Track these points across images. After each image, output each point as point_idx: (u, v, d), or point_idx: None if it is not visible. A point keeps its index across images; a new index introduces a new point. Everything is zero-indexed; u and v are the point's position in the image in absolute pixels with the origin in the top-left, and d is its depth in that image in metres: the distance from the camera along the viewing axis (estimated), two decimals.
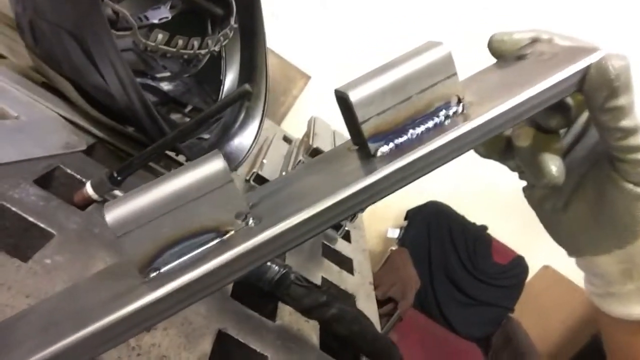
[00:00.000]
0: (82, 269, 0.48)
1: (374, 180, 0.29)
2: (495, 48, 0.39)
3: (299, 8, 2.50)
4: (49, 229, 0.49)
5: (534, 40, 0.38)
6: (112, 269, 0.34)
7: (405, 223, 2.76)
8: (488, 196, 2.75)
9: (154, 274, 0.29)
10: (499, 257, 2.76)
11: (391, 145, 0.31)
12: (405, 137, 0.31)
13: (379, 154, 0.31)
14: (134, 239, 0.28)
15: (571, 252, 0.41)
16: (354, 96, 0.30)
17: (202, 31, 0.83)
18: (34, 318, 0.30)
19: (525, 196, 0.43)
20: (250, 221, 0.30)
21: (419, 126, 0.32)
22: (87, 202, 0.56)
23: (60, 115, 0.68)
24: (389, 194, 0.31)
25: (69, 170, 0.59)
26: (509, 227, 2.75)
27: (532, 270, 2.82)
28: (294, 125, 2.41)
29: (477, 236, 2.75)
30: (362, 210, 1.01)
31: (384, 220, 2.85)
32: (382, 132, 0.31)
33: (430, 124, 0.32)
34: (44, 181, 0.56)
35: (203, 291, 0.28)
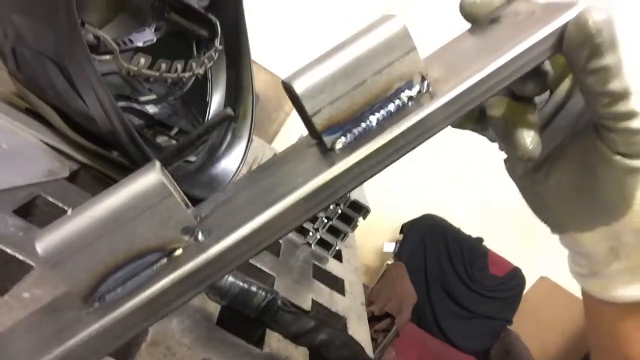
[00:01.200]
0: None
1: (332, 177, 0.26)
2: (468, 11, 0.35)
3: (290, 24, 2.51)
4: (28, 261, 0.48)
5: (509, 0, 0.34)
6: (54, 302, 0.31)
7: (400, 237, 2.75)
8: (483, 208, 2.75)
9: (98, 303, 0.27)
10: (496, 269, 2.75)
11: (349, 136, 0.28)
12: (363, 125, 0.28)
13: (337, 146, 0.28)
14: (70, 268, 0.26)
15: (554, 229, 0.38)
16: (300, 86, 0.27)
17: (188, 53, 0.83)
18: None
19: (506, 168, 0.39)
20: (200, 235, 0.27)
21: (378, 111, 0.28)
22: None
23: (43, 142, 0.67)
24: (353, 188, 0.28)
25: (50, 199, 0.58)
26: (505, 238, 2.74)
27: (529, 282, 2.81)
28: (287, 142, 2.41)
29: (473, 248, 2.75)
30: (353, 228, 1.00)
31: (379, 234, 2.84)
32: (337, 123, 0.28)
33: (391, 107, 0.28)
34: (24, 211, 0.55)
35: (155, 314, 0.26)
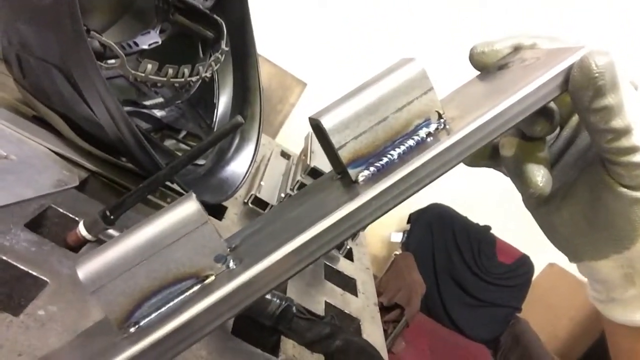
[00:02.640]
0: (78, 317, 0.46)
1: (356, 207, 0.28)
2: (477, 61, 0.38)
3: (293, 16, 2.49)
4: (42, 277, 0.48)
5: (517, 48, 0.37)
6: (90, 330, 0.33)
7: (408, 226, 2.74)
8: (490, 196, 2.73)
9: (133, 328, 0.28)
10: (504, 257, 2.74)
11: (372, 169, 0.30)
12: (385, 159, 0.30)
13: (360, 179, 0.30)
14: (108, 293, 0.27)
15: (571, 258, 0.40)
16: (327, 122, 0.29)
17: (193, 54, 0.82)
18: None
19: (523, 201, 0.41)
20: (231, 263, 0.29)
21: (399, 147, 0.31)
22: (81, 243, 0.55)
23: (52, 151, 0.66)
24: (376, 218, 0.30)
25: (61, 210, 0.58)
26: (512, 226, 2.73)
27: (538, 269, 2.80)
28: (292, 134, 2.40)
29: (481, 237, 2.74)
30: (364, 228, 1.00)
31: (386, 224, 2.84)
32: (361, 157, 0.30)
33: (411, 143, 0.31)
34: (36, 224, 0.55)
35: (187, 340, 0.27)
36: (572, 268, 2.80)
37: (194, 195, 0.29)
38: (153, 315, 0.28)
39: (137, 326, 0.28)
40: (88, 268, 0.27)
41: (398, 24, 2.48)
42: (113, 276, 0.27)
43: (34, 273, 0.48)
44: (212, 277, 0.29)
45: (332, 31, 2.50)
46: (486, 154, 0.40)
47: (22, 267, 0.47)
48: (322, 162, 0.91)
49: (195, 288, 0.29)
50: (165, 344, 0.27)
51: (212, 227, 0.28)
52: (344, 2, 2.49)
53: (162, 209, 0.28)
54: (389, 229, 2.84)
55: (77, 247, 0.55)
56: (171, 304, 0.28)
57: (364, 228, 0.85)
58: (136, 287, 0.27)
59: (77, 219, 0.58)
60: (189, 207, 0.28)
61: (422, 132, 0.31)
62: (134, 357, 0.26)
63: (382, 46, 2.43)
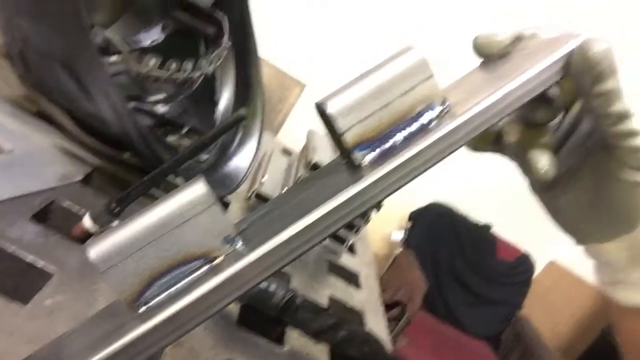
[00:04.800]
0: (85, 307, 0.47)
1: (361, 188, 0.29)
2: (479, 50, 0.39)
3: (292, 16, 2.49)
4: (49, 267, 0.48)
5: (518, 39, 0.38)
6: (101, 312, 0.34)
7: (409, 225, 2.75)
8: (490, 195, 2.73)
9: (144, 307, 0.28)
10: (505, 255, 2.75)
11: (377, 151, 0.31)
12: (390, 143, 0.31)
13: (365, 162, 0.31)
14: (119, 273, 0.27)
15: (577, 240, 0.41)
16: (332, 107, 0.30)
17: (195, 51, 0.82)
18: None
19: (528, 185, 0.42)
20: (239, 244, 0.29)
21: (403, 130, 0.31)
22: (86, 235, 0.55)
23: (56, 146, 0.67)
24: (381, 200, 0.30)
25: (66, 203, 0.58)
26: (513, 224, 2.73)
27: (539, 267, 2.81)
28: (293, 133, 2.40)
29: (482, 235, 2.74)
30: (367, 222, 1.00)
31: (387, 222, 2.84)
32: (366, 141, 0.31)
33: (415, 126, 0.31)
34: (41, 216, 0.55)
35: (196, 318, 0.28)
36: (572, 266, 2.81)
37: (202, 178, 0.29)
38: (163, 295, 0.28)
39: (146, 306, 0.28)
40: (99, 248, 0.27)
41: (396, 25, 2.49)
42: (124, 256, 0.27)
43: (41, 263, 0.48)
44: (221, 258, 0.29)
45: (331, 32, 2.51)
46: (491, 140, 0.41)
47: (29, 258, 0.48)
48: (324, 158, 0.92)
49: (204, 268, 0.29)
50: (174, 321, 0.27)
51: (220, 209, 0.29)
52: (343, 4, 2.50)
53: (172, 191, 0.29)
54: (389, 228, 2.84)
55: (82, 239, 0.55)
56: (180, 283, 0.29)
57: (366, 222, 0.86)
58: (146, 267, 0.28)
59: (81, 212, 0.58)
60: (197, 189, 0.28)
61: (426, 117, 0.31)
62: (144, 334, 0.26)
63: (380, 47, 2.43)
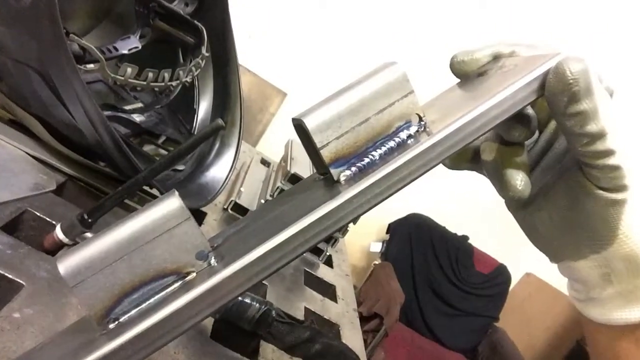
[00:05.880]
0: (54, 320, 0.46)
1: (337, 205, 0.28)
2: (457, 69, 0.39)
3: (274, 26, 2.49)
4: (18, 280, 0.47)
5: (496, 57, 0.38)
6: (70, 328, 0.33)
7: (387, 236, 2.75)
8: (468, 206, 2.76)
9: (113, 324, 0.28)
10: (482, 267, 2.76)
11: (354, 169, 0.31)
12: (367, 159, 0.31)
13: (342, 178, 0.30)
14: (89, 288, 0.27)
15: (551, 258, 0.41)
16: (310, 122, 0.30)
17: (174, 60, 0.82)
18: None
19: (504, 202, 0.42)
20: (213, 260, 0.29)
21: (380, 147, 0.31)
22: (58, 246, 0.54)
23: (29, 155, 0.66)
24: (358, 216, 0.30)
25: (38, 213, 0.57)
26: (490, 236, 2.76)
27: (515, 278, 2.83)
28: (272, 144, 2.40)
29: (459, 246, 2.76)
30: (344, 234, 1.00)
31: (366, 234, 2.84)
32: (343, 157, 0.31)
33: (392, 144, 0.31)
34: (12, 227, 0.54)
35: (167, 335, 0.27)
36: (548, 278, 2.84)
37: (176, 192, 0.29)
38: (133, 312, 0.28)
39: (116, 322, 0.28)
40: (69, 262, 0.27)
41: (379, 35, 2.51)
42: (94, 271, 0.27)
43: (10, 276, 0.47)
44: (193, 274, 0.29)
45: (313, 41, 2.52)
46: (467, 158, 0.41)
47: None
48: (302, 169, 0.91)
49: (176, 285, 0.28)
50: (144, 339, 0.26)
51: (194, 224, 0.28)
52: (325, 13, 2.51)
53: (145, 205, 0.28)
54: (368, 239, 2.85)
55: (53, 250, 0.54)
56: (151, 300, 0.28)
57: (344, 234, 0.86)
58: (117, 283, 0.27)
59: (54, 222, 0.57)
60: (171, 203, 0.28)
61: (403, 134, 0.32)
62: (111, 352, 0.26)
63: (363, 56, 2.44)
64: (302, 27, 2.51)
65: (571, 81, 0.31)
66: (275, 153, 1.38)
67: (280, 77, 2.52)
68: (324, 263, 0.97)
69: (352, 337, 0.76)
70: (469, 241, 2.79)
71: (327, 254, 0.96)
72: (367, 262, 2.87)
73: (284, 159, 1.04)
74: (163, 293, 0.28)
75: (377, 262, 2.64)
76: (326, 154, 0.30)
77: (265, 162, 1.24)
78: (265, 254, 0.28)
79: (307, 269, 0.90)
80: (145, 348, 0.27)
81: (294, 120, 0.31)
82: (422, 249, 2.70)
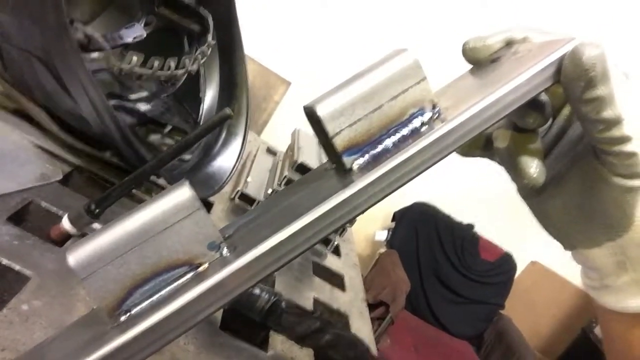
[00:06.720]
0: (62, 312, 0.45)
1: (351, 194, 0.28)
2: (469, 56, 0.38)
3: (277, 15, 2.48)
4: (25, 271, 0.47)
5: (509, 43, 0.37)
6: (81, 320, 0.32)
7: (392, 225, 2.75)
8: (473, 195, 2.75)
9: (124, 317, 0.27)
10: (487, 255, 2.76)
11: (367, 157, 0.30)
12: (380, 147, 0.30)
13: (355, 167, 0.30)
14: (99, 280, 0.26)
15: (565, 246, 0.41)
16: (322, 110, 0.29)
17: (179, 48, 0.81)
18: None
19: (517, 190, 0.42)
20: (225, 250, 0.28)
21: (394, 135, 0.30)
22: (65, 237, 0.54)
23: (35, 144, 0.65)
24: (371, 206, 0.29)
25: (44, 204, 0.57)
26: (495, 224, 2.75)
27: (520, 266, 2.83)
28: (277, 132, 2.39)
29: (464, 235, 2.76)
30: (352, 223, 0.99)
31: (371, 222, 2.84)
32: (356, 145, 0.30)
33: (405, 131, 0.31)
34: (18, 217, 0.53)
35: (179, 327, 0.27)
36: (553, 266, 2.83)
37: (187, 182, 0.28)
38: (145, 303, 0.27)
39: (128, 314, 0.27)
40: (79, 254, 0.26)
41: (384, 24, 2.49)
42: (105, 262, 0.26)
43: (17, 267, 0.47)
44: (206, 265, 0.28)
45: (317, 30, 2.50)
46: (480, 145, 0.41)
47: (4, 261, 0.46)
48: (309, 158, 0.91)
49: (188, 276, 0.28)
50: (156, 332, 0.26)
51: (205, 214, 0.28)
52: (329, 2, 2.49)
53: (156, 196, 0.28)
54: (373, 227, 2.85)
55: (60, 241, 0.54)
56: (163, 291, 0.28)
57: (352, 223, 0.85)
58: (128, 274, 0.27)
59: (60, 213, 0.57)
60: (182, 193, 0.27)
61: (417, 121, 0.31)
62: (123, 345, 0.25)
63: (367, 46, 2.42)
64: (306, 16, 2.49)
65: (588, 67, 0.30)
66: (280, 142, 1.36)
67: (285, 66, 2.50)
68: (332, 252, 0.96)
69: (361, 326, 0.76)
70: (475, 230, 2.79)
71: (335, 243, 0.95)
72: (372, 250, 2.87)
73: (291, 148, 1.03)
74: (175, 284, 0.28)
75: (382, 251, 2.63)
76: (339, 142, 0.29)
77: (271, 152, 1.23)
78: (279, 244, 0.27)
79: (315, 259, 0.89)
80: (158, 340, 0.26)
81: (305, 107, 0.30)
82: (427, 237, 2.70)
